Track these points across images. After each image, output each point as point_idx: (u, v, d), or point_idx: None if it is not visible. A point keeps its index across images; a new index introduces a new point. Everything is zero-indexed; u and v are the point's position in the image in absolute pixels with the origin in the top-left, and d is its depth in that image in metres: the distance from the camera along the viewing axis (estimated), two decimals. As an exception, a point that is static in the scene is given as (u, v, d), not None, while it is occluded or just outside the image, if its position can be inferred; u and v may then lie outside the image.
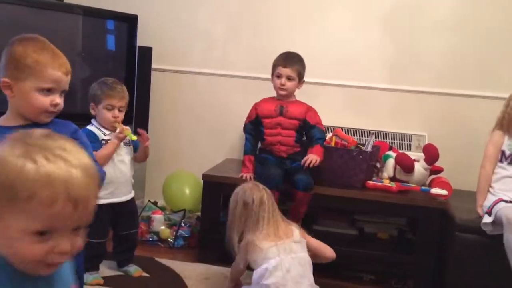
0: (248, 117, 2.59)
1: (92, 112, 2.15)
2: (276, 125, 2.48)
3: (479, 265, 2.18)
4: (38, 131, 0.78)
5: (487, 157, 2.27)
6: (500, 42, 2.83)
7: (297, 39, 3.02)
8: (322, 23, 3.00)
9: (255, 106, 2.56)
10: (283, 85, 2.44)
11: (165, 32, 3.15)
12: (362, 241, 2.63)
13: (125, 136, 2.15)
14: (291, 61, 2.45)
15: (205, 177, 2.57)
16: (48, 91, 1.31)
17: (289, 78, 2.44)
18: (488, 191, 2.23)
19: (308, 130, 2.47)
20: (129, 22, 2.96)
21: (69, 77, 1.36)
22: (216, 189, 2.53)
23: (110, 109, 2.12)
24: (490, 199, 2.17)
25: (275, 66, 2.50)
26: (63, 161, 0.73)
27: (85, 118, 2.22)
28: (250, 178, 2.44)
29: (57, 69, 1.32)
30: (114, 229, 2.27)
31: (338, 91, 3.01)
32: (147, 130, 2.99)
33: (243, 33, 3.10)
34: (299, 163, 2.38)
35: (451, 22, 2.87)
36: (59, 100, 1.34)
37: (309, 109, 2.50)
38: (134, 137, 2.17)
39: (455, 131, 2.89)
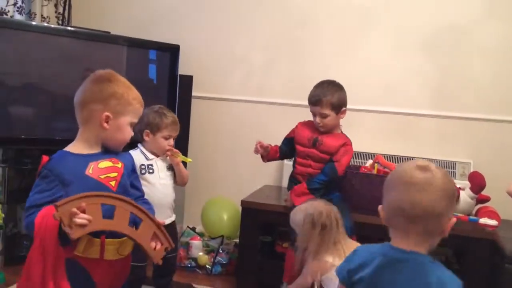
0: (289, 133, 2.47)
1: (146, 138, 2.19)
2: (307, 156, 2.31)
3: (533, 301, 2.05)
4: None
5: None
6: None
7: (336, 65, 3.03)
8: (361, 49, 3.00)
9: (296, 127, 2.43)
10: (318, 123, 2.28)
11: (205, 61, 3.23)
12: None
13: (180, 160, 2.21)
14: (319, 97, 2.24)
15: (243, 203, 2.56)
16: (131, 125, 1.46)
17: (322, 116, 2.25)
18: None
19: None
20: (171, 51, 3.06)
21: None
22: (255, 215, 2.51)
23: (168, 138, 2.19)
24: None
25: (308, 103, 2.34)
26: None
27: (130, 145, 2.28)
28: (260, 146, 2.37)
29: (141, 105, 1.48)
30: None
31: (380, 117, 2.98)
32: (186, 156, 3.05)
33: (281, 61, 3.14)
34: (336, 195, 2.27)
35: (498, 46, 2.81)
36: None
37: (345, 144, 2.27)
38: (189, 159, 2.27)
39: (503, 159, 2.78)
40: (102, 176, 1.38)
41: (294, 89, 3.12)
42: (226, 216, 2.96)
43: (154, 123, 2.18)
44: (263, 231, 2.64)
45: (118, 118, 1.40)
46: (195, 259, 2.81)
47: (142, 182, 2.14)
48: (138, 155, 2.19)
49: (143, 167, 2.18)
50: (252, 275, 2.50)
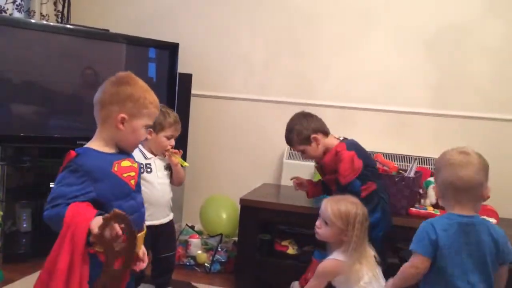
0: None
1: (148, 136, 2.16)
2: (330, 184, 2.21)
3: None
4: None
5: None
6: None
7: (336, 65, 3.04)
8: (362, 48, 3.01)
9: None
10: (305, 159, 2.28)
11: (205, 59, 3.23)
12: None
13: (178, 162, 2.20)
14: (286, 140, 2.24)
15: (242, 201, 2.56)
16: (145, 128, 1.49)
17: (301, 153, 2.22)
18: None
19: None
20: (170, 49, 3.06)
21: None
22: (253, 213, 2.51)
23: (170, 138, 2.18)
24: None
25: None
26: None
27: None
28: (297, 182, 2.35)
29: (158, 108, 1.51)
30: (153, 251, 2.29)
31: (379, 116, 2.98)
32: (185, 155, 3.05)
33: (281, 60, 3.14)
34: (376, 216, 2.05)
35: (498, 46, 2.82)
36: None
37: (336, 153, 2.11)
38: (186, 164, 2.23)
39: (502, 158, 2.78)
40: (125, 175, 1.44)
41: (294, 88, 3.12)
42: (225, 214, 2.96)
43: (157, 122, 2.16)
44: (262, 229, 2.64)
45: (133, 120, 1.44)
46: (193, 257, 2.81)
47: (141, 181, 2.15)
48: (136, 154, 2.19)
49: (141, 166, 2.18)
50: (251, 273, 2.50)
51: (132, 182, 1.46)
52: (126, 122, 1.44)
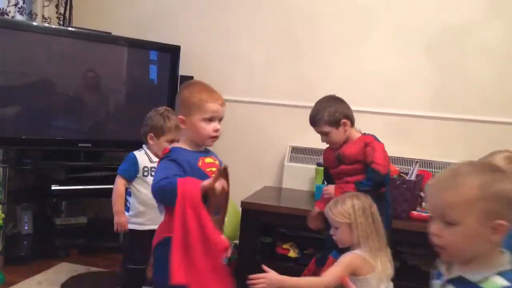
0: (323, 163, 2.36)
1: (150, 141, 2.18)
2: (342, 175, 2.15)
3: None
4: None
5: None
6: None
7: (336, 66, 3.04)
8: (362, 49, 3.01)
9: (323, 154, 2.31)
10: (324, 142, 2.19)
11: (206, 61, 3.23)
12: (404, 274, 2.53)
13: None
14: (313, 117, 2.16)
15: (243, 204, 2.56)
16: (210, 120, 1.65)
17: (324, 134, 2.16)
18: None
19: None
20: (172, 52, 3.06)
21: (224, 107, 1.70)
22: (255, 217, 2.51)
23: (172, 142, 2.17)
24: None
25: None
26: None
27: (130, 145, 2.29)
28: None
29: (214, 102, 1.67)
30: (154, 255, 2.29)
31: (379, 118, 2.97)
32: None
33: (282, 62, 3.14)
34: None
35: (500, 47, 2.81)
36: (219, 126, 1.68)
37: (367, 144, 2.08)
38: None
39: (503, 161, 2.77)
40: (208, 169, 1.66)
41: (294, 89, 3.12)
42: (226, 217, 2.95)
43: (158, 126, 2.16)
44: (263, 232, 2.64)
45: (188, 118, 1.65)
46: (195, 260, 2.80)
47: (144, 185, 2.15)
48: (142, 156, 2.19)
49: (146, 169, 2.17)
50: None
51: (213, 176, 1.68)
52: (185, 122, 1.66)
